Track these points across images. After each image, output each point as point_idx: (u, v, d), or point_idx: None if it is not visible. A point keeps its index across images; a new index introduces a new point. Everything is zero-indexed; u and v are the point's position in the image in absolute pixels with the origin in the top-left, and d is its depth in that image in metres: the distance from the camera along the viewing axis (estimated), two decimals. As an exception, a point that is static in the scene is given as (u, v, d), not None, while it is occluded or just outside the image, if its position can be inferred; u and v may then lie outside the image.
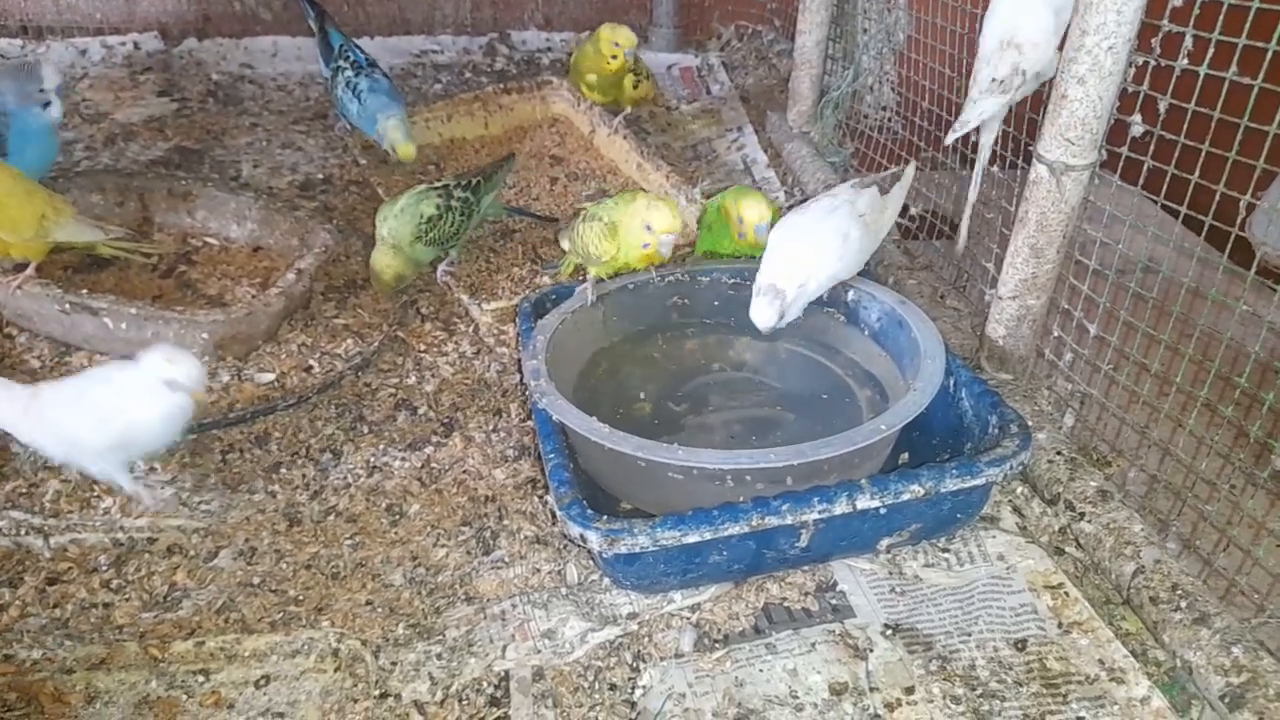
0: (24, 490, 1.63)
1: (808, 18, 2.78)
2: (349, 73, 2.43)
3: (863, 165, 2.66)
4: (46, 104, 2.02)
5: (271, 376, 1.90)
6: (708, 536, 1.34)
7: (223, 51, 3.16)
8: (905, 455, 1.68)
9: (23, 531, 1.56)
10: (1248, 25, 1.40)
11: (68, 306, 1.85)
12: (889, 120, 2.62)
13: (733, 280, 1.93)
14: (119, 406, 1.51)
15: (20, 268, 1.86)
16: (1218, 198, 1.47)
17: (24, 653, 1.36)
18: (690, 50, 3.51)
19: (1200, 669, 1.32)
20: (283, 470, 1.72)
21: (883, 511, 1.42)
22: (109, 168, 2.47)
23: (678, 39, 3.53)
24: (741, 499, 1.38)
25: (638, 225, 1.77)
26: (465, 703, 1.32)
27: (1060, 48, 1.63)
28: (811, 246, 1.69)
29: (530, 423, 1.81)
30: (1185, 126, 1.51)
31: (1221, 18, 1.42)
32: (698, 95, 3.26)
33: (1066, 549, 1.58)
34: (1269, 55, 1.36)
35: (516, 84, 2.88)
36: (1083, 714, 1.30)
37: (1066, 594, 1.47)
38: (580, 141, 2.82)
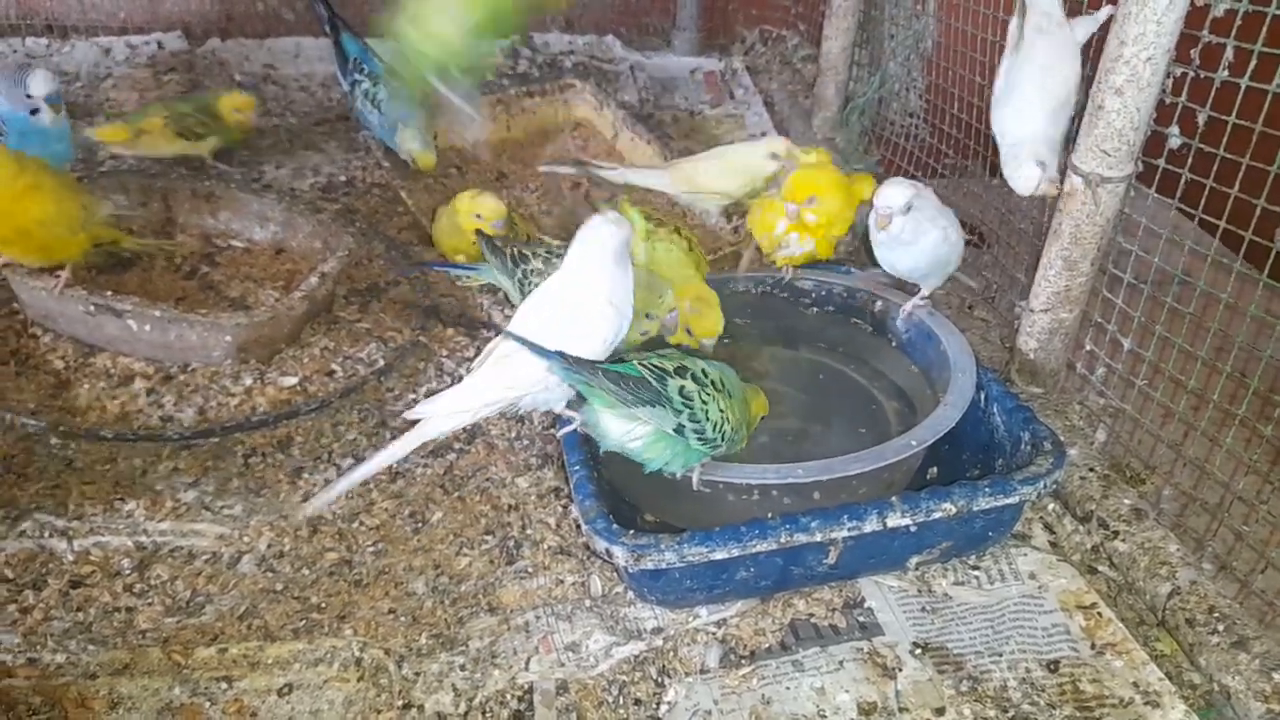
0: (48, 491, 1.63)
1: (834, 23, 2.75)
2: (366, 84, 2.40)
3: (889, 173, 2.63)
4: (35, 110, 1.96)
5: (294, 380, 1.89)
6: (735, 553, 1.32)
7: (246, 52, 3.15)
8: (934, 470, 1.65)
9: (46, 534, 1.55)
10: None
11: (92, 308, 1.85)
12: (916, 128, 2.59)
13: (759, 290, 1.92)
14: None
15: (51, 271, 1.86)
16: (1258, 212, 1.44)
17: (48, 656, 1.36)
18: (713, 54, 3.49)
19: (1239, 694, 1.29)
20: (305, 475, 1.71)
21: (913, 529, 1.39)
22: (133, 168, 2.46)
23: (700, 42, 3.51)
24: (769, 514, 1.36)
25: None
26: (489, 715, 1.31)
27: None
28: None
29: (553, 430, 1.80)
30: (1225, 139, 1.48)
31: (1265, 29, 1.39)
32: (721, 100, 3.24)
33: (1099, 568, 1.55)
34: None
35: (539, 86, 2.86)
36: (1117, 739, 1.28)
37: (1099, 614, 1.45)
38: (603, 145, 2.80)
